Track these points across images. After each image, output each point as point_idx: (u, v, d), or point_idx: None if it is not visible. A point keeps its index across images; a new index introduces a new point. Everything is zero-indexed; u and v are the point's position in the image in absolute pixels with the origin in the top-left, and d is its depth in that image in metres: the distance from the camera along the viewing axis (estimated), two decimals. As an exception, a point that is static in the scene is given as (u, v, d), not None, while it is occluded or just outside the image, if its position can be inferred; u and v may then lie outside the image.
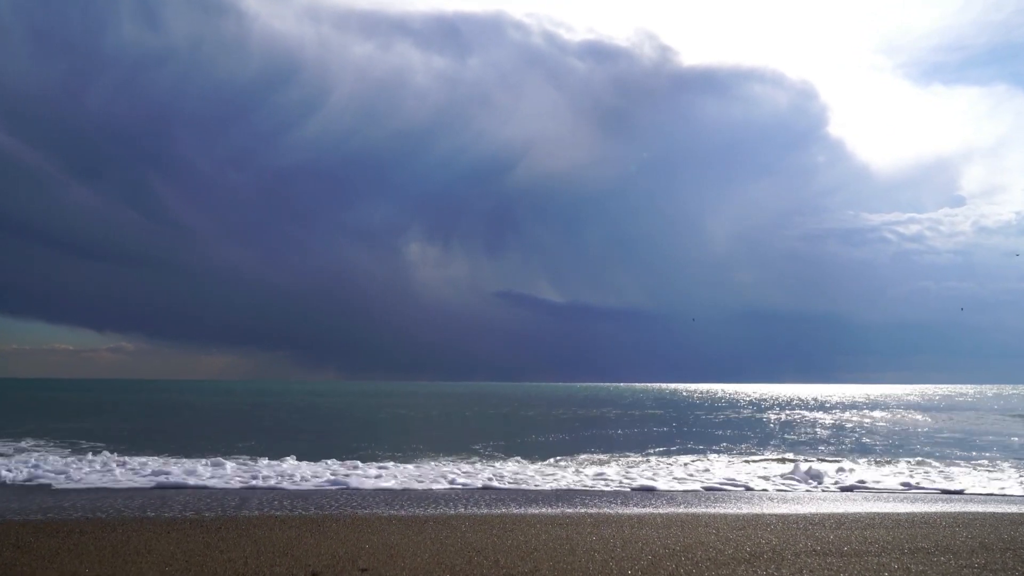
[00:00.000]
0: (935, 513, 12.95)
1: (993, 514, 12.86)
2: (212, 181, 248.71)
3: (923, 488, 16.98)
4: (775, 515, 12.30)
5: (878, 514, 12.64)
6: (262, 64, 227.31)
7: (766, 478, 18.20)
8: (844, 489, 16.60)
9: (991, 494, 16.29)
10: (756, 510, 12.99)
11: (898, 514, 12.68)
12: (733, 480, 17.62)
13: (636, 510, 12.95)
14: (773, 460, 23.12)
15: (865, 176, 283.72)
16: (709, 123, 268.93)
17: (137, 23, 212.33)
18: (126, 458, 19.86)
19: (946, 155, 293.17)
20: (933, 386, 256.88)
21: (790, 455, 24.64)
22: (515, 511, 12.66)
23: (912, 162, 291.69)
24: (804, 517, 12.10)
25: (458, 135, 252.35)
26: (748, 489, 16.39)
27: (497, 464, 20.70)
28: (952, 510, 13.34)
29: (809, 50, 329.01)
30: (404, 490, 15.37)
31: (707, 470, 19.75)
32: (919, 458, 23.93)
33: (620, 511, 12.78)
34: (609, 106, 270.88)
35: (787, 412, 60.55)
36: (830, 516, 12.27)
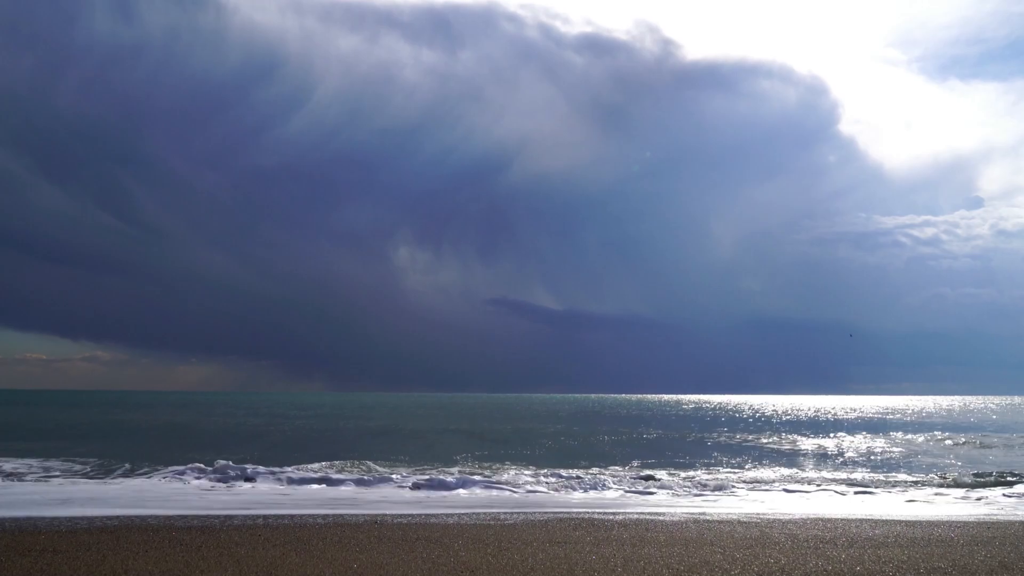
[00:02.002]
0: (954, 522, 13.01)
1: (1014, 533, 12.92)
2: (190, 182, 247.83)
3: None
4: (784, 533, 12.35)
5: (892, 532, 12.69)
6: (242, 59, 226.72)
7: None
8: None
9: None
10: (765, 528, 13.02)
11: (914, 532, 12.73)
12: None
13: (637, 526, 12.97)
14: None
15: (878, 177, 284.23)
16: (714, 121, 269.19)
17: (110, 15, 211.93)
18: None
19: (963, 154, 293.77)
20: (951, 398, 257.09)
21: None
22: (509, 530, 12.67)
23: (928, 162, 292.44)
24: (815, 536, 12.15)
25: (449, 133, 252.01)
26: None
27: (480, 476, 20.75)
28: (971, 528, 13.38)
29: (819, 43, 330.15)
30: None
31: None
32: None
33: (620, 529, 12.80)
34: (608, 103, 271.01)
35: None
36: (842, 535, 12.32)
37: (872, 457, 31.52)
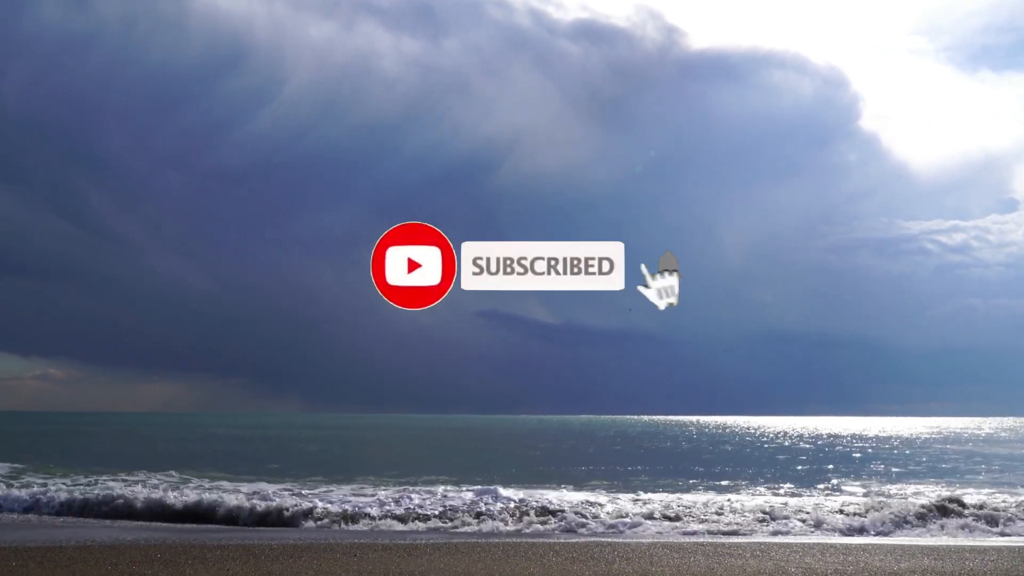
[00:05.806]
0: (986, 550, 12.88)
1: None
2: (149, 183, 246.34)
3: None
4: (801, 567, 12.24)
5: (919, 565, 12.57)
6: (205, 48, 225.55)
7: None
8: None
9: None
10: (780, 560, 12.89)
11: (943, 565, 12.60)
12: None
13: (640, 559, 12.85)
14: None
15: (903, 177, 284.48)
16: (722, 116, 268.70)
17: (61, 1, 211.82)
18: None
19: (996, 152, 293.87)
20: (987, 419, 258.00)
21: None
22: (500, 564, 12.56)
23: (957, 161, 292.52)
24: (835, 569, 12.05)
25: (433, 129, 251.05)
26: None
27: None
28: (1004, 559, 13.28)
29: (837, 31, 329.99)
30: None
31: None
32: None
33: (623, 562, 12.69)
34: (606, 96, 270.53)
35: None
36: (864, 568, 12.22)
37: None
